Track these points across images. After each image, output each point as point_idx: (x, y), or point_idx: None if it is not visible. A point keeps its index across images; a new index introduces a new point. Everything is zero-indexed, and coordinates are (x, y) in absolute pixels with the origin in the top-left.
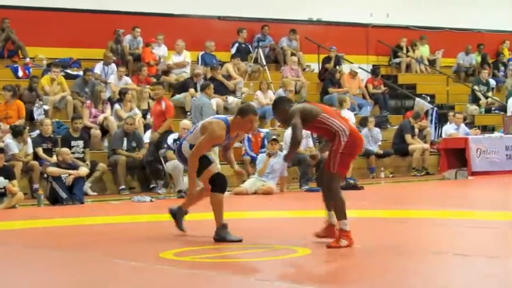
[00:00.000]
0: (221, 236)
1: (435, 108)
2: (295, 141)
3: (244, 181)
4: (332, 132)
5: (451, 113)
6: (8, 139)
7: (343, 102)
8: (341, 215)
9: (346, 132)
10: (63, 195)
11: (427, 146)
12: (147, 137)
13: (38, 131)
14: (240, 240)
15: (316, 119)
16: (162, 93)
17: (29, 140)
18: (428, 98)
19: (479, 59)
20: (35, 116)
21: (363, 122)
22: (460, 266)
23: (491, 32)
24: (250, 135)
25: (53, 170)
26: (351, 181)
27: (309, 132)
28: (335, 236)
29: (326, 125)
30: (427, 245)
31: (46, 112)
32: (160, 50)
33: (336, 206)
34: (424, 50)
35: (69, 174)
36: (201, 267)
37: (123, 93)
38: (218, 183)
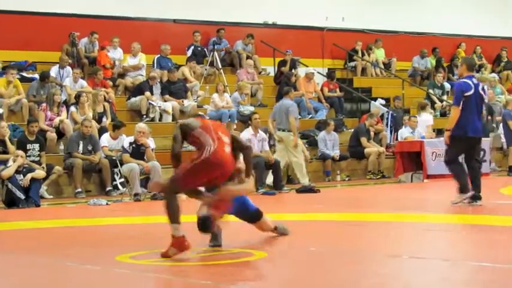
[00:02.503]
0: None
1: (390, 112)
2: (172, 154)
3: None
4: (202, 146)
5: (406, 117)
6: None
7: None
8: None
9: (211, 149)
10: (21, 196)
11: (382, 149)
12: (104, 141)
13: None
14: None
15: (191, 133)
16: None
17: None
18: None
19: (434, 62)
20: None
21: (319, 126)
22: (416, 269)
23: (446, 35)
24: None
25: (6, 172)
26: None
27: (264, 135)
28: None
29: (198, 140)
30: (382, 248)
31: (1, 115)
32: (115, 53)
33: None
34: (379, 54)
35: (24, 176)
36: (157, 270)
37: (78, 96)
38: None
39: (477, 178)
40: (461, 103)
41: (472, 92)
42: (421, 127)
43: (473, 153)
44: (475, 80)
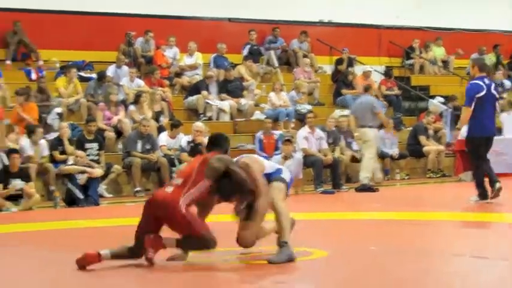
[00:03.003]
0: None
1: (450, 110)
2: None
3: None
4: None
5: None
6: (23, 141)
7: None
8: None
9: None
10: (80, 195)
11: (442, 147)
12: (162, 140)
13: (55, 134)
14: None
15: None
16: None
17: (43, 142)
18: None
19: (494, 59)
20: (48, 120)
21: (379, 125)
22: (479, 269)
23: (506, 32)
24: (262, 137)
25: (67, 167)
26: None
27: (322, 133)
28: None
29: None
30: (443, 247)
31: (60, 115)
32: (171, 52)
33: None
34: (439, 51)
35: (84, 172)
36: (218, 269)
37: (138, 96)
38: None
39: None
40: (473, 104)
41: (484, 92)
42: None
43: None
44: (487, 80)
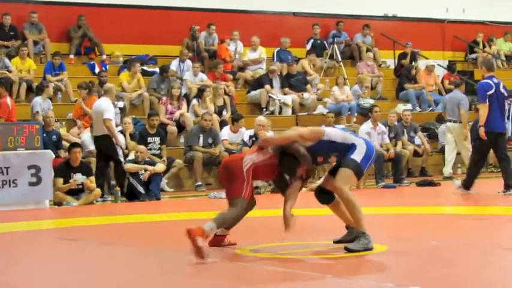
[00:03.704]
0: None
1: (511, 104)
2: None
3: (321, 177)
4: None
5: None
6: (85, 136)
7: None
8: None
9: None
10: (141, 190)
11: None
12: (224, 134)
13: (118, 129)
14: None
15: None
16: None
17: None
18: None
19: None
20: None
21: (440, 118)
22: None
23: None
24: None
25: (130, 166)
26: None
27: (383, 128)
28: None
29: None
30: (505, 242)
31: (122, 109)
32: (235, 46)
33: None
34: (505, 46)
35: (146, 170)
36: (279, 263)
37: (201, 90)
38: None
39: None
40: (487, 100)
41: (493, 91)
42: None
43: (496, 148)
44: (495, 80)
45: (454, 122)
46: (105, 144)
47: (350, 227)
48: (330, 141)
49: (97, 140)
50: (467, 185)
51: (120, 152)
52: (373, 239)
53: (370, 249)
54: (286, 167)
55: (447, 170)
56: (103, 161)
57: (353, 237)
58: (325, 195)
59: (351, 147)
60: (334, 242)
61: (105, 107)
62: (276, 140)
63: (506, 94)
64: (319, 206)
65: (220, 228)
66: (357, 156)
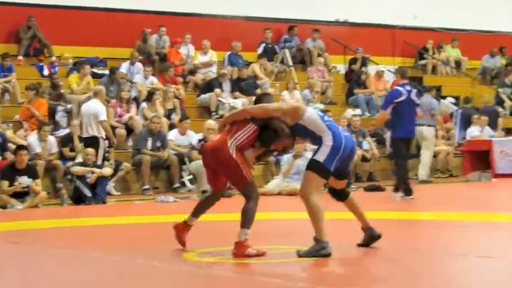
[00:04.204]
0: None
1: (460, 110)
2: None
3: (269, 182)
4: None
5: (475, 116)
6: (31, 138)
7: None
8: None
9: None
10: (88, 193)
11: (451, 148)
12: (171, 136)
13: (65, 131)
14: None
15: None
16: None
17: (52, 139)
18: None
19: (503, 61)
20: (57, 117)
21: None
22: (484, 268)
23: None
24: None
25: (77, 169)
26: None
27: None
28: None
29: None
30: (449, 247)
31: (70, 111)
32: (186, 50)
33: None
34: (453, 52)
35: (92, 173)
36: (223, 268)
37: (151, 93)
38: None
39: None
40: (389, 108)
41: (403, 98)
42: None
43: (397, 151)
44: (408, 87)
45: (428, 126)
46: (91, 145)
47: (365, 228)
48: (304, 127)
49: (85, 141)
50: (407, 190)
51: (101, 158)
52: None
53: (324, 255)
54: (264, 140)
55: (422, 173)
56: None
57: (369, 238)
58: (337, 194)
59: (320, 140)
60: (358, 245)
61: (98, 109)
62: (255, 111)
63: (418, 101)
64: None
65: (251, 225)
66: (320, 155)
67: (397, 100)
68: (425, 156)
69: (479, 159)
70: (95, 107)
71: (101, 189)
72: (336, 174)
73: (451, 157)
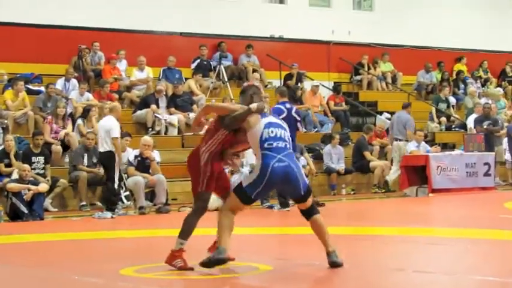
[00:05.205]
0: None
1: None
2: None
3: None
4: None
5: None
6: None
7: None
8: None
9: None
10: (24, 210)
11: (388, 163)
12: None
13: (1, 146)
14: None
15: None
16: None
17: None
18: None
19: (439, 76)
20: None
21: (325, 139)
22: (421, 284)
23: (451, 50)
24: None
25: (12, 185)
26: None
27: None
28: None
29: None
30: (387, 262)
31: (5, 127)
32: (121, 66)
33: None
34: (387, 67)
35: (29, 190)
36: (161, 284)
37: (87, 109)
38: None
39: None
40: None
41: (285, 115)
42: None
43: None
44: (288, 105)
45: (400, 140)
46: (107, 159)
47: (327, 251)
48: (248, 142)
49: (101, 155)
50: (283, 203)
51: (117, 172)
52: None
53: (221, 259)
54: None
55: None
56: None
57: (329, 259)
58: (303, 214)
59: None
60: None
61: (111, 125)
62: (218, 107)
63: (298, 118)
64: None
65: (188, 236)
66: (246, 180)
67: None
68: (395, 169)
69: (416, 174)
70: (109, 123)
71: (38, 205)
72: (294, 198)
73: (387, 172)
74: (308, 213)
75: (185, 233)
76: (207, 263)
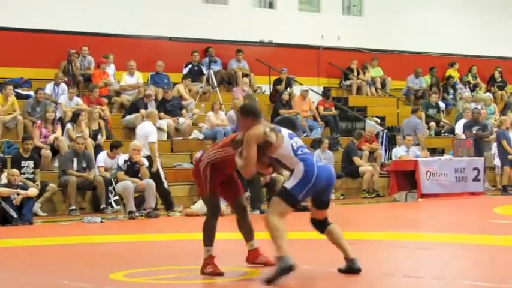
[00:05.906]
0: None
1: (385, 131)
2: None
3: (195, 202)
4: None
5: (399, 136)
6: None
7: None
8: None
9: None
10: (14, 214)
11: (377, 168)
12: (101, 160)
13: None
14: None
15: None
16: None
17: None
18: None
19: (430, 81)
20: None
21: (314, 144)
22: None
23: (441, 55)
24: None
25: (1, 190)
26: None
27: None
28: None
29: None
30: (377, 267)
31: None
32: (110, 70)
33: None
34: (376, 72)
35: (18, 194)
36: None
37: (76, 114)
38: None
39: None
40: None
41: None
42: None
43: None
44: None
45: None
46: (150, 164)
47: (346, 258)
48: (278, 160)
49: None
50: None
51: (162, 173)
52: (291, 257)
53: (288, 267)
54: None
55: None
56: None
57: (350, 265)
58: (317, 225)
59: (292, 171)
60: (339, 271)
61: (148, 130)
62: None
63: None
64: (192, 231)
65: (212, 242)
66: (290, 182)
67: None
68: None
69: (406, 179)
70: (147, 129)
71: (27, 210)
72: (314, 203)
73: (377, 177)
74: (323, 224)
75: (208, 239)
76: (274, 276)
